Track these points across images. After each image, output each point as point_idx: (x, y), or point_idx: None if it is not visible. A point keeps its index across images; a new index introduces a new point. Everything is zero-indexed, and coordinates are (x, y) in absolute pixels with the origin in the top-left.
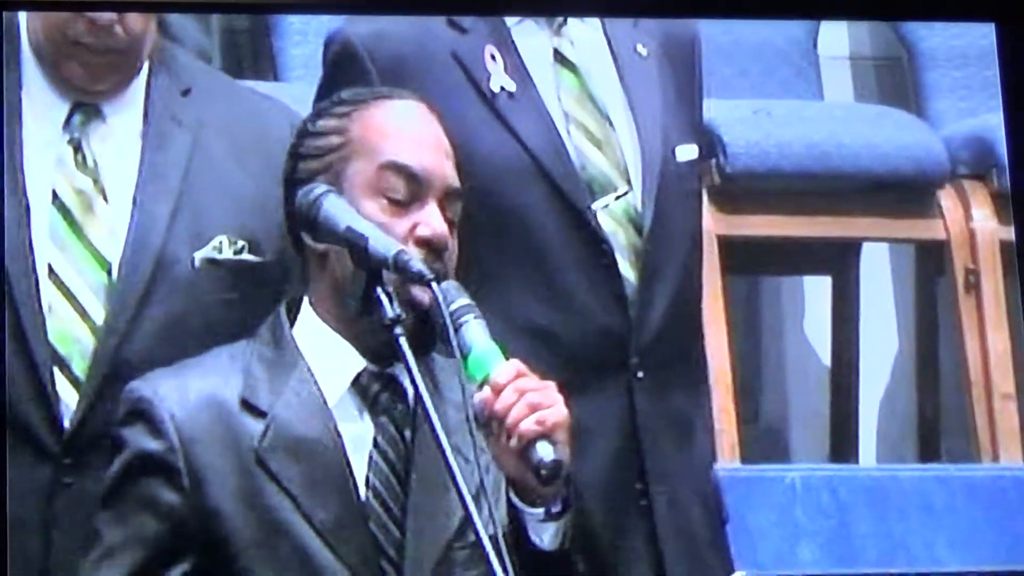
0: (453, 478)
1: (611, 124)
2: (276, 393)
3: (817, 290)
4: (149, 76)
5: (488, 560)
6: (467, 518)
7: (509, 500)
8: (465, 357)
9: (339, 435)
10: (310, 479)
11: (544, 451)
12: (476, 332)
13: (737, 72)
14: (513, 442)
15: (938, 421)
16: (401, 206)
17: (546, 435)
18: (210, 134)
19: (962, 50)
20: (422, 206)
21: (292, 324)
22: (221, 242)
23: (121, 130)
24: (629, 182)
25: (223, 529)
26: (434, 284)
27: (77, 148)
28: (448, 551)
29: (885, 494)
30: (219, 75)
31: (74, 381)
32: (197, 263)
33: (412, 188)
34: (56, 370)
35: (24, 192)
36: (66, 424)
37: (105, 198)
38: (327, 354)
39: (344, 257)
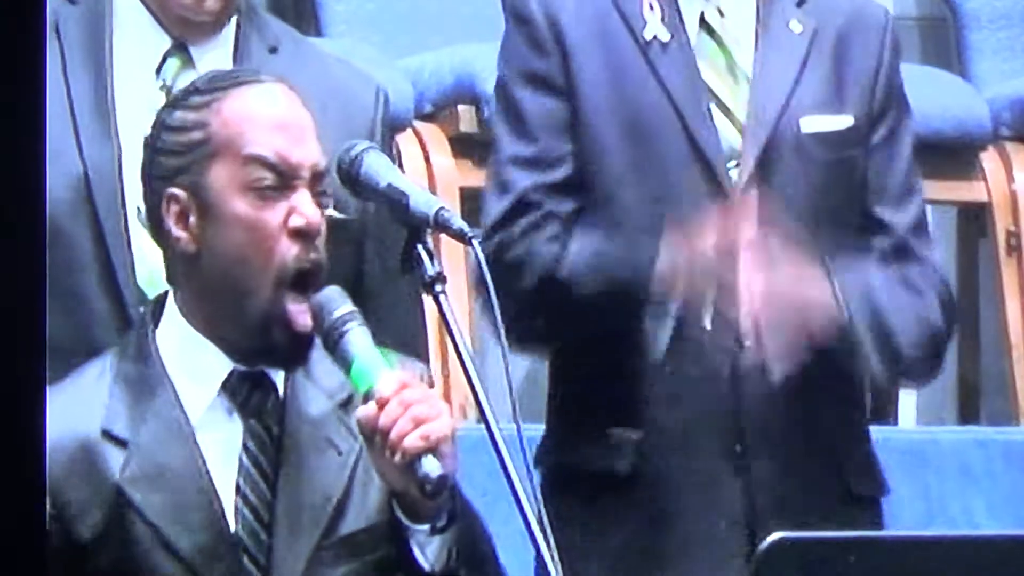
0: (500, 456)
1: (745, 94)
2: (138, 419)
3: None
4: (237, 28)
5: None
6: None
7: (394, 516)
8: (348, 367)
9: (204, 459)
10: (173, 507)
11: (430, 466)
12: (359, 341)
13: None
14: (398, 457)
15: (978, 384)
16: (271, 194)
17: (431, 449)
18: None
19: (1005, 11)
20: (292, 192)
21: (156, 325)
22: None
23: None
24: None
25: (90, 567)
26: (475, 242)
27: (169, 94)
28: (317, 551)
29: (924, 457)
30: (303, 38)
31: None
32: None
33: (280, 177)
34: None
35: (116, 135)
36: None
37: None
38: (193, 361)
39: (221, 258)
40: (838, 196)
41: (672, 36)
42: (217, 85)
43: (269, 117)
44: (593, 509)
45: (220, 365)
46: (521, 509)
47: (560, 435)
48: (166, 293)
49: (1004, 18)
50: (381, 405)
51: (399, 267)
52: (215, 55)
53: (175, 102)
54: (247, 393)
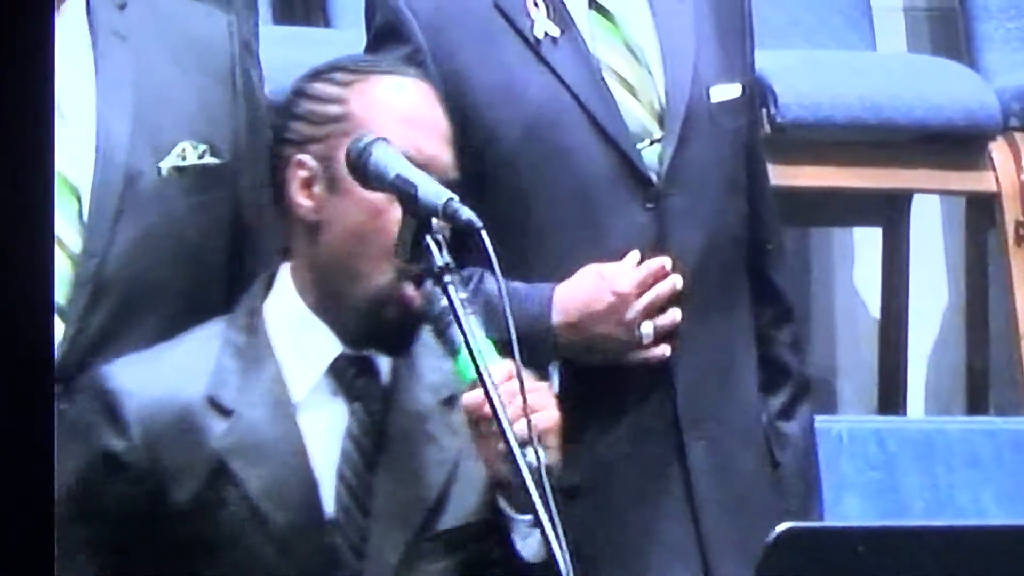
0: (502, 428)
1: (648, 71)
2: (244, 390)
3: (867, 241)
4: None
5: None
6: (443, 496)
7: (496, 506)
8: (455, 354)
9: (304, 439)
10: (271, 483)
11: (533, 455)
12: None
13: (789, 21)
14: (502, 445)
15: (987, 374)
16: None
17: (537, 440)
18: (151, 46)
19: (1015, 1)
20: None
21: (266, 298)
22: (184, 149)
23: (68, 52)
24: (663, 128)
25: (184, 530)
26: (483, 232)
27: None
28: (414, 545)
29: (932, 447)
30: None
31: (57, 310)
32: (164, 172)
33: None
34: None
35: None
36: (55, 352)
37: (65, 124)
38: (302, 339)
39: (341, 234)
40: (736, 165)
41: (562, 30)
42: (361, 67)
43: (410, 111)
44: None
45: (329, 346)
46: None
47: None
48: (278, 267)
49: (1014, 8)
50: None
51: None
52: (68, 26)
53: (317, 74)
54: (353, 377)
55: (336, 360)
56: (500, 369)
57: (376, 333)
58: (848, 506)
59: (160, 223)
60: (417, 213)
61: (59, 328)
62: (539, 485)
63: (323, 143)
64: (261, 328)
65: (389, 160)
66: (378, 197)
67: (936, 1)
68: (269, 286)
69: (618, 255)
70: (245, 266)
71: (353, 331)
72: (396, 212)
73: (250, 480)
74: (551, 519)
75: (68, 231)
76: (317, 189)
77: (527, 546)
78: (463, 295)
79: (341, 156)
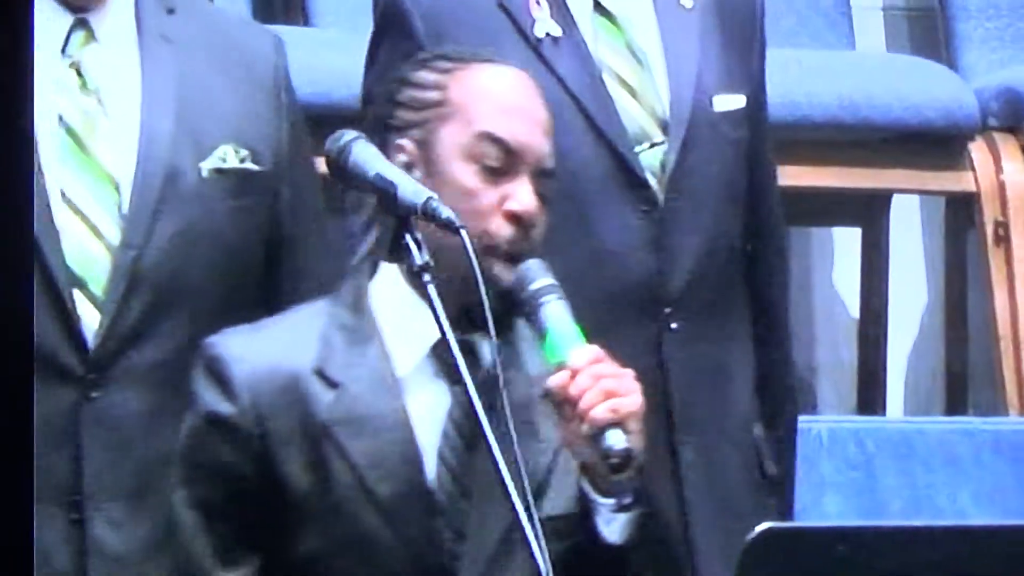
0: (492, 454)
1: (651, 75)
2: (350, 365)
3: (846, 241)
4: None
5: (528, 544)
6: (523, 497)
7: (581, 490)
8: (542, 338)
9: (408, 415)
10: (376, 454)
11: (615, 439)
12: (555, 313)
13: (769, 21)
14: (585, 428)
15: (966, 374)
16: (494, 174)
17: (619, 423)
18: (197, 52)
19: (994, 1)
20: (514, 178)
21: (371, 278)
22: (226, 152)
23: (115, 48)
24: (665, 132)
25: (289, 497)
26: (463, 232)
27: (78, 71)
28: (511, 531)
29: (911, 447)
30: None
31: (93, 300)
32: (205, 173)
33: (507, 159)
34: (75, 291)
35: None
36: (89, 343)
37: (107, 117)
38: (406, 320)
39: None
40: (737, 175)
41: (564, 30)
42: (464, 56)
43: (507, 98)
44: None
45: (431, 328)
46: (515, 513)
47: None
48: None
49: (992, 8)
50: (573, 375)
51: (317, 211)
52: (116, 23)
53: (422, 62)
54: (454, 361)
55: (438, 343)
56: (586, 353)
57: (470, 308)
58: (827, 506)
59: (198, 222)
60: (397, 212)
61: (95, 318)
62: (619, 469)
63: (422, 128)
64: (367, 307)
65: (368, 159)
66: (470, 180)
67: (915, 1)
68: (374, 268)
69: (610, 256)
70: (280, 271)
71: (453, 311)
72: (489, 194)
73: (356, 451)
74: (530, 519)
75: (107, 223)
76: (417, 174)
77: (611, 531)
78: (549, 281)
79: (438, 140)
